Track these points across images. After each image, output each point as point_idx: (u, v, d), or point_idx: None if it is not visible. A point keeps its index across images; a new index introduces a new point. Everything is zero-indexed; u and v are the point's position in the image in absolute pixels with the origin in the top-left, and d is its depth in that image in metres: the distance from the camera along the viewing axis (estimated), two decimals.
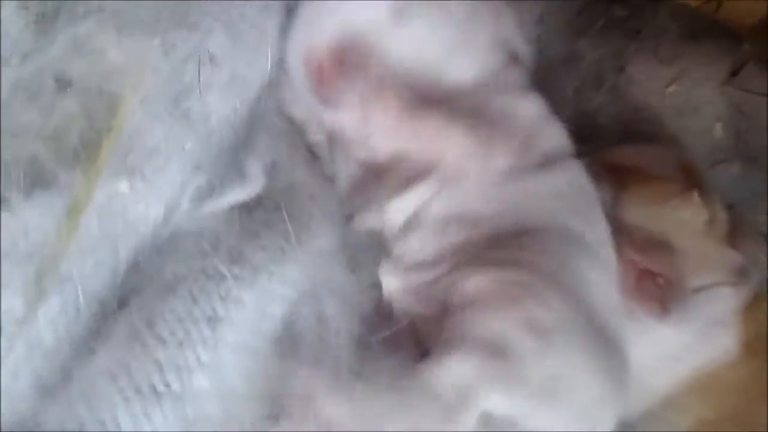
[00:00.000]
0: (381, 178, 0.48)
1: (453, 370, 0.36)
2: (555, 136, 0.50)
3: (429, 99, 0.45)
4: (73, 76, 0.37)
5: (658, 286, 0.47)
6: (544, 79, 0.58)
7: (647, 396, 0.49)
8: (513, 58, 0.51)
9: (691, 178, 0.51)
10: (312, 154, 0.52)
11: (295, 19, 0.48)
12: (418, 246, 0.45)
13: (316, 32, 0.46)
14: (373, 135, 0.47)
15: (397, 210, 0.47)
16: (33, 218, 0.34)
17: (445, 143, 0.44)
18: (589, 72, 0.60)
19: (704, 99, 0.57)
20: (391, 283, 0.46)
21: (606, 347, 0.42)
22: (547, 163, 0.48)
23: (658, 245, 0.49)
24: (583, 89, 0.60)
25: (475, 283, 0.41)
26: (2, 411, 0.33)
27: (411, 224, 0.46)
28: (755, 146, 0.56)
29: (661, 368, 0.48)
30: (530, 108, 0.49)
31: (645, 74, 0.58)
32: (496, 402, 0.37)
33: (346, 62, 0.45)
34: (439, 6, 0.46)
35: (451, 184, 0.46)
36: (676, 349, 0.48)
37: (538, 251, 0.42)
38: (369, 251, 0.48)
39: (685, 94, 0.57)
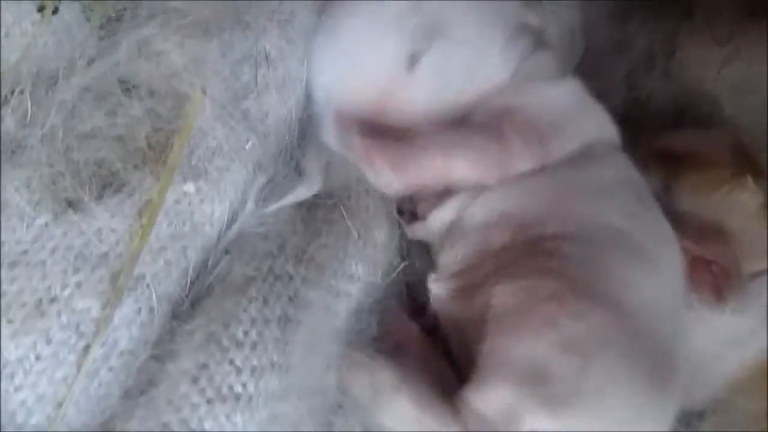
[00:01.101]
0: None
1: (496, 395, 0.36)
2: (596, 125, 0.47)
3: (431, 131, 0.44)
4: (138, 79, 0.37)
5: (713, 275, 0.46)
6: (593, 66, 0.57)
7: (713, 383, 0.48)
8: (539, 41, 0.49)
9: (744, 162, 0.50)
10: None
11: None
12: (462, 254, 0.44)
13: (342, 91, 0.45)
14: None
15: (439, 220, 0.46)
16: (105, 220, 0.34)
17: (448, 176, 0.43)
18: (639, 57, 0.59)
19: (762, 76, 0.55)
20: (439, 290, 0.45)
21: (655, 353, 0.40)
22: (589, 154, 0.46)
23: (711, 232, 0.48)
24: (634, 75, 0.59)
25: (506, 293, 0.40)
26: (83, 412, 0.34)
27: (453, 234, 0.45)
28: None
29: (724, 355, 0.47)
30: (560, 97, 0.47)
31: (698, 57, 0.56)
32: (544, 424, 0.36)
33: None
34: (453, 31, 0.44)
35: (487, 191, 0.44)
36: (738, 335, 0.46)
37: (577, 258, 0.40)
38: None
39: (742, 72, 0.55)
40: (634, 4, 0.60)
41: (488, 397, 0.36)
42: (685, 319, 0.44)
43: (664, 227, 0.45)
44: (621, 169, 0.46)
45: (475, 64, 0.45)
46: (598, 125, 0.47)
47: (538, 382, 0.36)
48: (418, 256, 0.48)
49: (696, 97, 0.57)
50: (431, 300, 0.46)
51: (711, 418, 0.49)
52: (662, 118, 0.58)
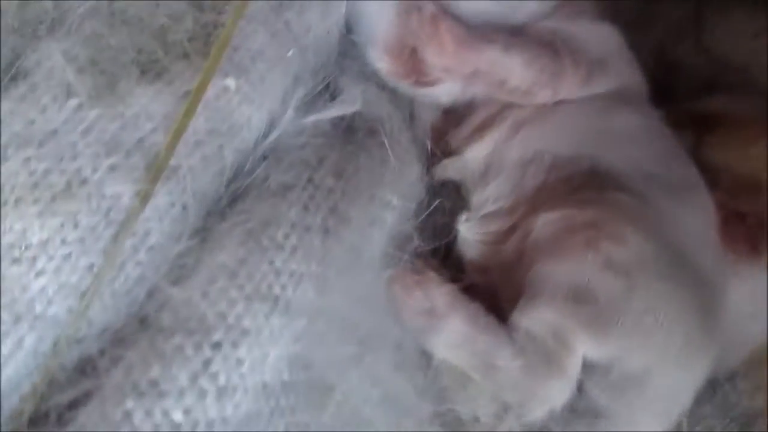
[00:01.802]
0: (460, 124, 0.47)
1: (545, 316, 0.36)
2: (629, 74, 0.48)
3: (490, 32, 0.43)
4: None
5: (748, 227, 0.46)
6: (624, 32, 0.57)
7: (749, 343, 0.46)
8: None
9: None
10: (395, 93, 0.51)
11: None
12: (496, 193, 0.44)
13: (386, 7, 0.44)
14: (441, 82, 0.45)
15: (476, 156, 0.45)
16: (143, 105, 0.32)
17: (505, 72, 0.42)
18: (670, 28, 0.59)
19: None
20: (469, 233, 0.44)
21: (698, 284, 0.39)
22: (622, 100, 0.46)
23: (746, 185, 0.47)
24: (664, 44, 0.58)
25: (546, 223, 0.40)
26: (107, 309, 0.31)
27: (489, 171, 0.45)
28: None
29: (760, 313, 0.45)
30: (602, 36, 0.47)
31: (728, 27, 0.56)
32: (592, 346, 0.36)
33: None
34: None
35: (526, 126, 0.44)
36: None
37: (613, 190, 0.41)
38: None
39: None
40: None
41: (537, 318, 0.36)
42: (723, 270, 0.43)
43: (693, 175, 0.45)
44: (650, 118, 0.47)
45: None
46: (632, 72, 0.48)
47: (583, 303, 0.36)
48: (448, 198, 0.47)
49: (727, 67, 0.56)
50: (459, 243, 0.45)
51: (742, 382, 0.48)
52: (693, 88, 0.57)
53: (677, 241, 0.40)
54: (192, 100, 0.32)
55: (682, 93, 0.57)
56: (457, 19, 0.42)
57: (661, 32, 0.59)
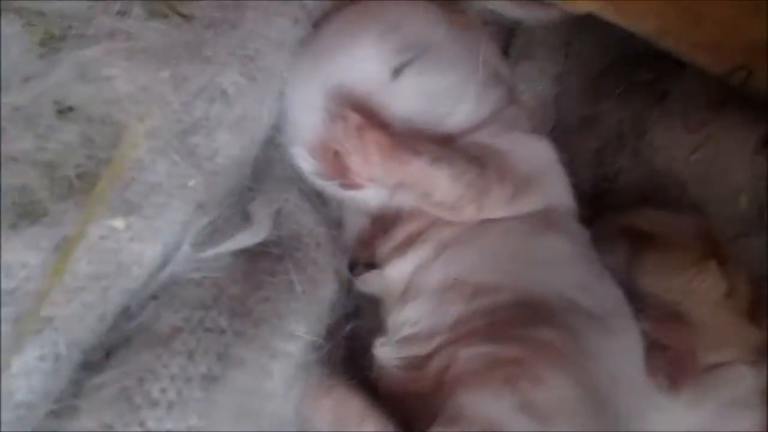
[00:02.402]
0: (386, 232, 0.47)
1: None
2: (560, 189, 0.48)
3: (422, 140, 0.43)
4: (76, 103, 0.34)
5: (668, 360, 0.45)
6: (564, 140, 0.56)
7: None
8: (512, 95, 0.50)
9: (711, 248, 0.49)
10: (321, 199, 0.50)
11: (288, 93, 0.46)
12: (414, 317, 0.43)
13: (311, 110, 0.44)
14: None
15: (396, 274, 0.44)
16: (17, 252, 0.31)
17: (431, 184, 0.42)
18: (610, 135, 0.58)
19: (730, 168, 0.54)
20: (385, 358, 0.43)
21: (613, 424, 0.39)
22: (547, 222, 0.45)
23: (670, 317, 0.46)
24: (604, 152, 0.58)
25: (468, 358, 0.39)
26: None
27: (408, 292, 0.44)
28: None
29: None
30: (534, 153, 0.47)
31: (668, 140, 0.56)
32: None
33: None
34: (434, 55, 0.45)
35: (449, 249, 0.43)
36: (693, 429, 0.44)
37: (536, 325, 0.40)
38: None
39: (710, 162, 0.55)
40: (608, 81, 0.60)
41: None
42: (644, 400, 0.43)
43: (620, 302, 0.44)
44: (576, 240, 0.46)
45: (453, 92, 0.45)
46: (562, 190, 0.48)
47: None
48: (368, 316, 0.46)
49: (664, 179, 0.56)
50: (374, 368, 0.44)
51: None
52: (629, 196, 0.57)
53: (600, 378, 0.39)
54: (67, 247, 0.31)
55: (618, 201, 0.57)
56: (385, 127, 0.42)
57: (602, 139, 0.58)
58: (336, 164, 0.43)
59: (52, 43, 0.34)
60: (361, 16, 0.47)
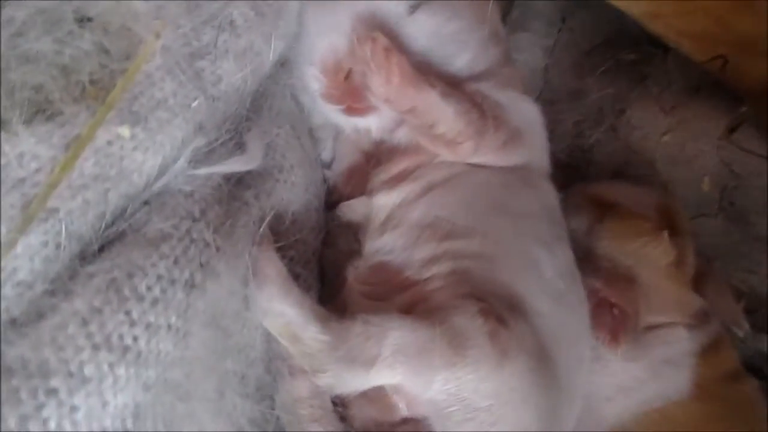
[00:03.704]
0: (379, 165, 0.50)
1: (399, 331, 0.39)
2: (539, 152, 0.51)
3: (434, 76, 0.46)
4: (95, 13, 0.36)
5: (613, 317, 0.49)
6: (548, 110, 0.59)
7: (601, 424, 0.49)
8: (506, 56, 0.53)
9: (666, 221, 0.53)
10: (313, 137, 0.54)
11: (309, 14, 0.49)
12: (388, 246, 0.46)
13: (334, 32, 0.47)
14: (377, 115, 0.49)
15: (382, 204, 0.48)
16: (30, 145, 0.33)
17: (437, 115, 0.45)
18: (591, 109, 0.61)
19: (697, 152, 0.58)
20: (355, 282, 0.46)
21: (556, 382, 0.42)
22: (526, 177, 0.49)
23: (621, 278, 0.51)
24: (583, 124, 0.61)
25: (442, 297, 0.42)
26: None
27: (388, 222, 0.47)
28: (740, 205, 0.58)
29: (615, 399, 0.49)
30: (524, 111, 0.51)
31: (644, 120, 0.59)
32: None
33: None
34: (447, 1, 0.49)
35: (435, 190, 0.47)
36: (630, 382, 0.49)
37: (495, 283, 0.43)
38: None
39: (680, 144, 0.58)
40: (596, 58, 0.63)
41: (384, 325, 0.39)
42: (588, 355, 0.47)
43: (570, 263, 0.48)
44: (545, 199, 0.50)
45: (459, 37, 0.49)
46: (542, 151, 0.52)
47: (450, 346, 0.39)
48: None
49: (636, 156, 0.59)
50: (345, 292, 0.47)
51: None
52: (603, 169, 0.60)
53: (544, 331, 0.43)
54: (77, 146, 0.34)
55: (591, 172, 0.60)
56: (406, 56, 0.45)
57: (583, 113, 0.61)
58: (346, 86, 0.47)
59: None
60: None
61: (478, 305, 0.40)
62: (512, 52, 0.61)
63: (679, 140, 0.58)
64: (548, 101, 0.62)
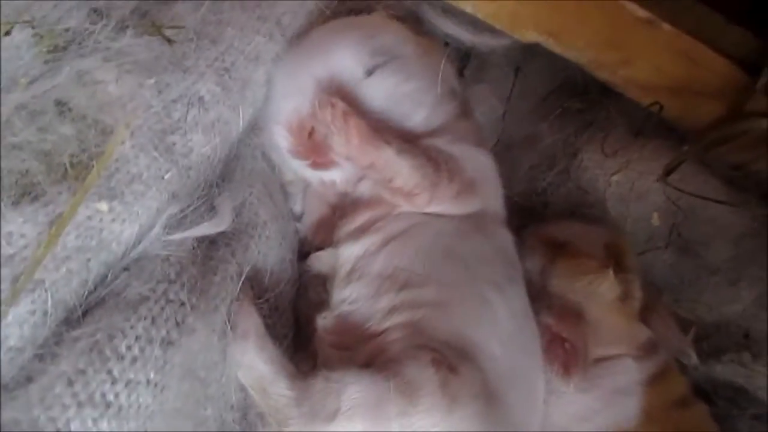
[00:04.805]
0: (344, 217, 0.54)
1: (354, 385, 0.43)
2: (493, 199, 0.55)
3: (391, 134, 0.50)
4: (73, 103, 0.41)
5: (564, 351, 0.53)
6: (505, 155, 0.64)
7: None
8: (464, 111, 0.58)
9: (613, 257, 0.57)
10: (284, 193, 0.58)
11: (275, 79, 0.53)
12: (353, 296, 0.50)
13: (298, 94, 0.52)
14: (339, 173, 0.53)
15: (347, 255, 0.52)
16: (17, 225, 0.38)
17: (394, 170, 0.49)
18: (544, 154, 0.66)
19: (644, 190, 0.62)
20: (323, 332, 0.50)
21: (502, 419, 0.46)
22: (481, 223, 0.53)
23: (571, 314, 0.54)
24: (537, 168, 0.66)
25: (398, 348, 0.46)
26: None
27: (353, 273, 0.51)
28: (687, 237, 0.62)
29: (571, 429, 0.52)
30: (477, 162, 0.55)
31: (593, 162, 0.63)
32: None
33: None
34: (401, 64, 0.54)
35: (394, 241, 0.51)
36: (584, 412, 0.52)
37: (451, 331, 0.47)
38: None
39: (629, 184, 0.63)
40: (548, 105, 0.67)
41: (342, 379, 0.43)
42: (542, 390, 0.51)
43: (524, 302, 0.52)
44: (500, 243, 0.54)
45: (414, 97, 0.54)
46: (496, 198, 0.56)
47: (401, 396, 0.42)
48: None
49: (588, 196, 0.63)
50: (316, 342, 0.51)
51: None
52: (558, 210, 0.64)
53: (498, 373, 0.46)
54: (60, 223, 0.38)
55: (546, 213, 0.64)
56: (363, 117, 0.49)
57: (537, 157, 0.66)
58: (310, 143, 0.52)
59: (56, 52, 0.41)
60: (346, 25, 0.57)
61: (430, 355, 0.44)
62: (471, 103, 0.66)
63: (628, 179, 0.62)
64: (505, 146, 0.66)
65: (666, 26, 0.59)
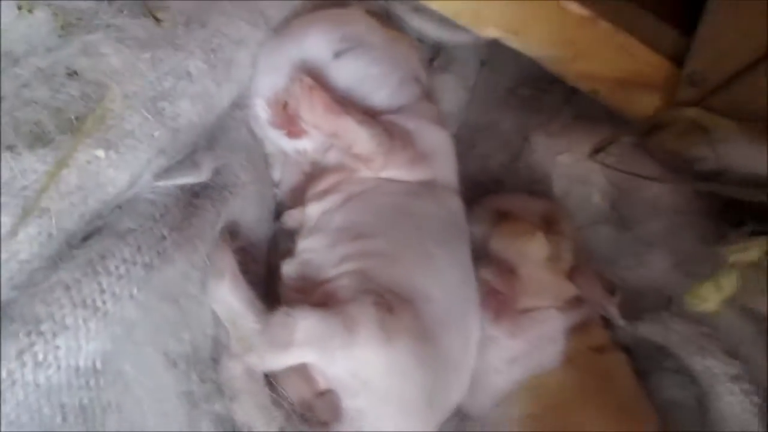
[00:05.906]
0: (313, 181, 0.63)
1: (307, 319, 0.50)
2: (446, 171, 0.63)
3: (350, 107, 0.58)
4: (80, 70, 0.50)
5: (497, 300, 0.60)
6: (467, 137, 0.72)
7: (492, 392, 0.60)
8: (425, 94, 0.66)
9: (546, 224, 0.65)
10: (266, 162, 0.67)
11: (258, 59, 0.62)
12: (313, 246, 0.58)
13: (275, 72, 0.61)
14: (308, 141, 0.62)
15: (312, 212, 0.60)
16: (30, 163, 0.47)
17: (354, 137, 0.58)
18: (501, 138, 0.74)
19: (587, 171, 0.70)
20: (287, 276, 0.58)
21: (434, 356, 0.53)
22: (432, 189, 0.61)
23: (506, 270, 0.62)
24: (494, 149, 0.73)
25: (345, 294, 0.53)
26: None
27: (315, 227, 0.60)
28: (624, 214, 0.69)
29: (502, 370, 0.60)
30: (432, 137, 0.63)
31: (541, 144, 0.71)
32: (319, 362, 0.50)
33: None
34: (368, 50, 0.63)
35: (353, 200, 0.59)
36: (514, 354, 0.59)
37: (394, 279, 0.54)
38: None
39: (573, 164, 0.70)
40: (507, 97, 0.75)
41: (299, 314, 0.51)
42: (476, 336, 0.58)
43: (466, 258, 0.60)
44: (450, 207, 0.62)
45: (377, 79, 0.63)
46: (449, 170, 0.64)
47: (343, 330, 0.50)
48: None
49: (536, 174, 0.71)
50: (280, 286, 0.59)
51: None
52: (509, 188, 0.72)
53: (436, 318, 0.54)
54: (63, 163, 0.47)
55: (499, 189, 0.72)
56: (329, 92, 0.58)
57: (495, 140, 0.74)
58: (285, 115, 0.60)
59: (68, 27, 0.50)
60: (322, 14, 0.66)
61: (373, 297, 0.51)
62: (439, 91, 0.74)
63: (572, 161, 0.70)
64: (468, 130, 0.74)
65: (604, 23, 0.67)
